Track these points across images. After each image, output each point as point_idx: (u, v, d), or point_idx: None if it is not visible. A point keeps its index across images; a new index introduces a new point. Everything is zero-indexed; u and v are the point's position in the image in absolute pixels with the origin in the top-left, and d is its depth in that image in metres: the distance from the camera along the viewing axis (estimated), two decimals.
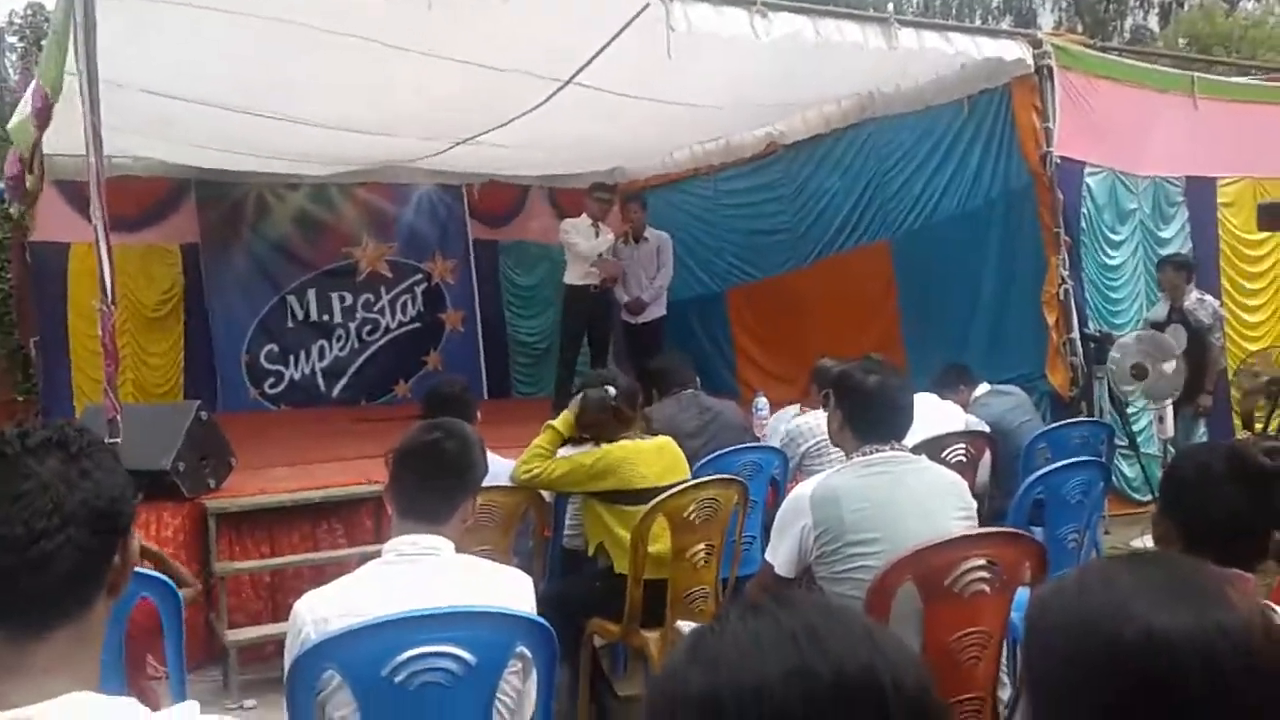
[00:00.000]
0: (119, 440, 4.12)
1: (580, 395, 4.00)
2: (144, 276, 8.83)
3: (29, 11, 20.70)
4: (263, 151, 8.06)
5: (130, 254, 8.32)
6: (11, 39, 20.57)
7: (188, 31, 5.24)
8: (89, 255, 6.91)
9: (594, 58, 6.18)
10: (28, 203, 7.46)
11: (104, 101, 4.32)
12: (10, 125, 5.93)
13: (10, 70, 19.35)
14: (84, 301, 8.13)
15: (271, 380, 9.43)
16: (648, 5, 5.26)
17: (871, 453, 2.81)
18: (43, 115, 4.65)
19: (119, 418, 4.25)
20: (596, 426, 3.95)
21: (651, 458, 3.85)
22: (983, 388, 5.47)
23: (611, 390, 3.95)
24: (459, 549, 2.38)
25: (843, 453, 2.98)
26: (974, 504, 2.90)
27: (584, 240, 7.69)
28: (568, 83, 6.62)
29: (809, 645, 0.84)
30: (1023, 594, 2.65)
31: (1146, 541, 5.24)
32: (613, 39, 5.90)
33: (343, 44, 5.62)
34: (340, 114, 7.04)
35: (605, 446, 3.87)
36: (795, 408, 5.31)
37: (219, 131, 7.32)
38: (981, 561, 2.59)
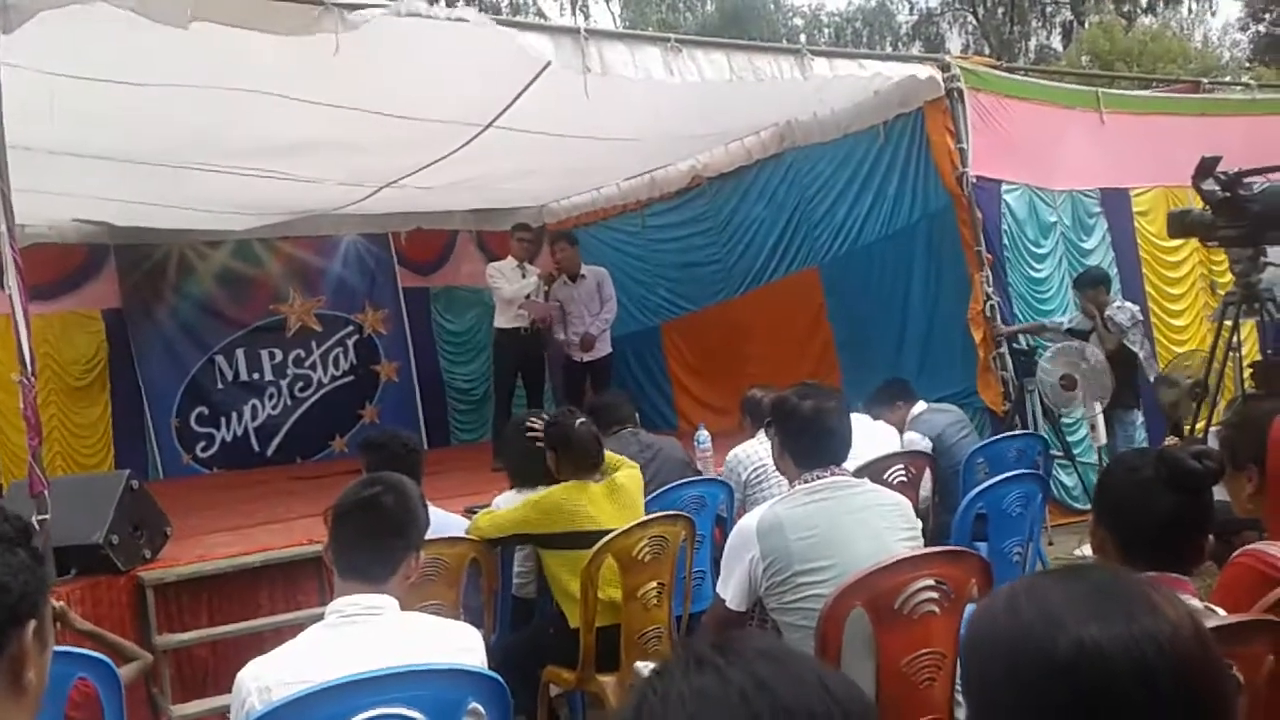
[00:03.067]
0: (44, 517, 3.99)
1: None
2: (66, 344, 8.64)
3: None
4: (180, 203, 7.94)
5: (50, 322, 8.16)
6: None
7: (94, 94, 5.17)
8: (5, 327, 6.80)
9: (509, 106, 6.22)
10: None
11: (11, 165, 4.22)
12: None
13: None
14: (2, 375, 7.91)
15: (203, 443, 9.24)
16: (549, 65, 5.30)
17: (813, 479, 2.82)
18: None
19: (46, 492, 4.11)
20: (523, 459, 3.93)
21: (601, 499, 3.81)
22: (920, 405, 5.55)
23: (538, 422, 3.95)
24: (405, 606, 2.33)
25: (784, 480, 3.00)
26: (919, 524, 2.92)
27: (508, 284, 7.67)
28: (487, 127, 6.65)
29: (759, 700, 0.82)
30: (971, 610, 2.67)
31: (1087, 550, 5.33)
32: (524, 90, 5.95)
33: (249, 100, 5.59)
34: (256, 163, 6.97)
35: (548, 488, 3.84)
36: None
37: (134, 185, 7.20)
38: (929, 581, 2.60)
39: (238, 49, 4.97)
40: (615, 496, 3.86)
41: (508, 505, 4.15)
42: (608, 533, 3.63)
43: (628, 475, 4.00)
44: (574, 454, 3.87)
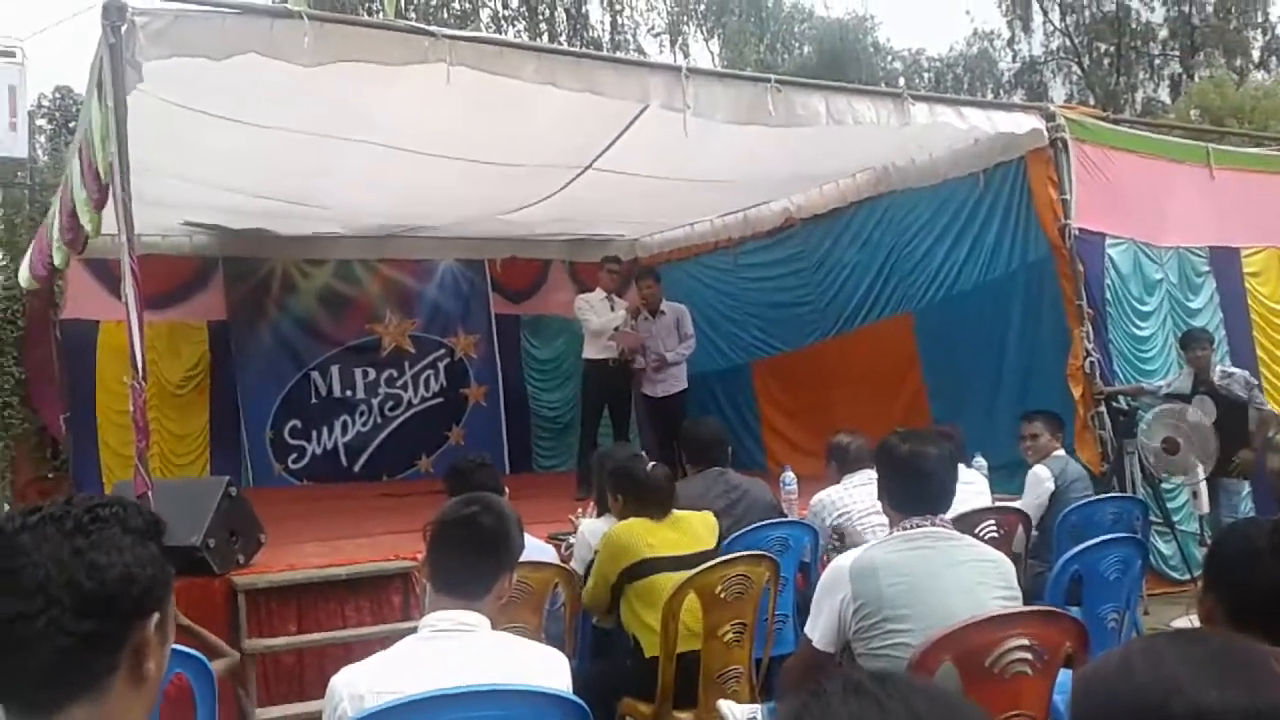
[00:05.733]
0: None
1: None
2: (171, 353, 8.93)
3: (57, 95, 21.23)
4: (288, 227, 8.23)
5: (159, 331, 8.44)
6: (41, 121, 21.05)
7: (218, 132, 5.42)
8: (117, 333, 7.09)
9: (608, 148, 6.33)
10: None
11: (134, 183, 4.41)
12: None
13: (40, 153, 19.76)
14: (112, 378, 8.24)
15: (295, 455, 9.47)
16: (646, 107, 5.38)
17: (912, 526, 2.78)
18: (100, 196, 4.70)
19: (150, 493, 4.26)
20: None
21: (661, 529, 3.86)
22: (1061, 450, 5.57)
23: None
24: (494, 626, 2.36)
25: (871, 528, 2.96)
26: (1017, 586, 2.83)
27: (596, 316, 7.75)
28: (585, 170, 6.77)
29: None
30: (1065, 675, 2.60)
31: (1189, 621, 5.14)
32: (624, 130, 6.05)
33: (358, 148, 5.83)
34: (369, 200, 7.24)
35: (606, 531, 3.93)
36: None
37: (244, 214, 7.53)
38: (1023, 641, 2.54)
39: (349, 100, 5.20)
40: (678, 526, 3.91)
41: (592, 534, 4.20)
42: (666, 558, 3.67)
43: (696, 513, 4.04)
44: (643, 498, 3.93)
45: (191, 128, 5.35)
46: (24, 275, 7.74)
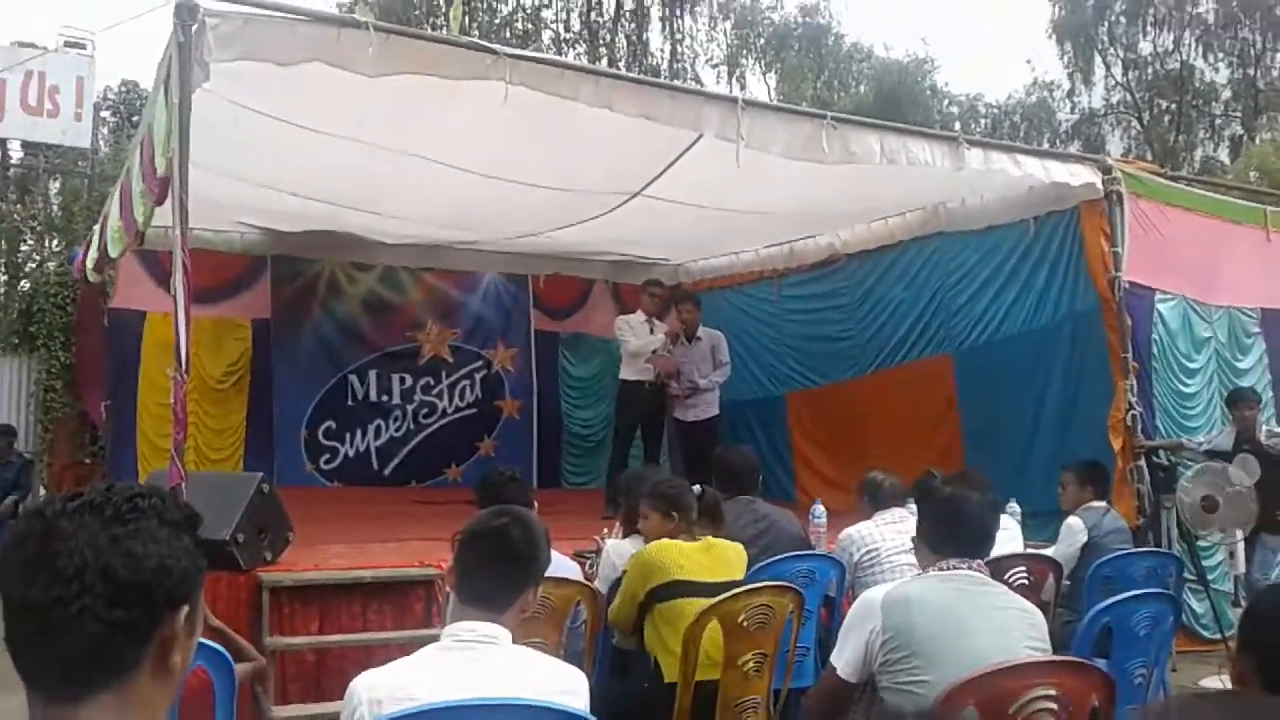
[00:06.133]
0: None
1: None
2: (214, 348, 9.02)
3: (123, 88, 21.67)
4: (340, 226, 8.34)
5: (203, 325, 8.53)
6: (105, 113, 21.49)
7: (276, 133, 5.50)
8: (163, 325, 7.20)
9: (659, 175, 6.36)
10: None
11: (193, 179, 4.47)
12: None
13: (102, 144, 20.15)
14: (155, 369, 8.36)
15: (327, 456, 9.53)
16: (700, 137, 5.39)
17: (948, 568, 2.74)
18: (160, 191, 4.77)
19: (184, 485, 4.30)
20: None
21: (693, 553, 3.84)
22: (1100, 503, 5.50)
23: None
24: (514, 640, 2.36)
25: (895, 566, 2.91)
26: (1048, 639, 2.76)
27: (635, 338, 7.76)
28: (634, 196, 6.80)
29: None
30: None
31: (1219, 680, 5.04)
32: (676, 159, 6.07)
33: (417, 163, 5.88)
34: (419, 212, 7.31)
35: (638, 549, 3.92)
36: None
37: (294, 215, 7.63)
38: (1050, 691, 2.50)
39: (407, 113, 5.26)
40: (710, 551, 3.89)
41: (618, 554, 4.19)
42: (698, 584, 3.65)
43: (730, 543, 4.02)
44: (688, 515, 3.94)
45: (251, 128, 5.43)
46: (91, 263, 7.84)
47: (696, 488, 4.11)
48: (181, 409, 4.43)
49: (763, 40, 26.53)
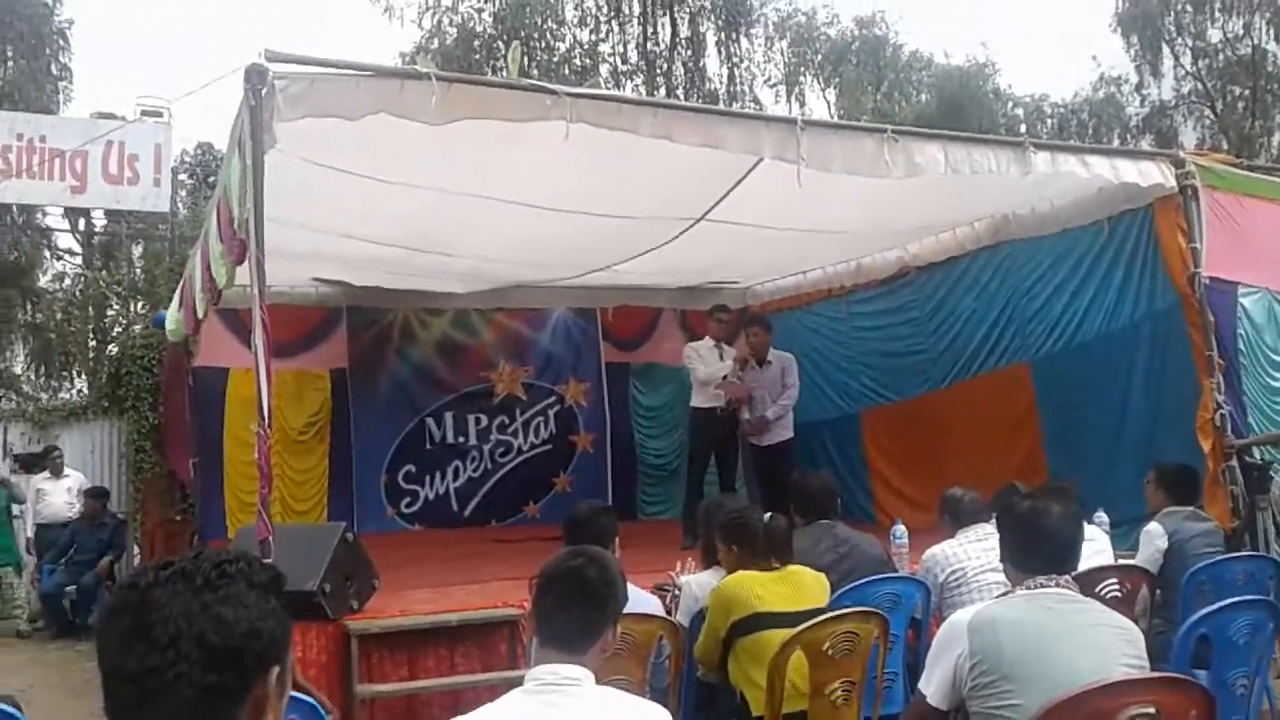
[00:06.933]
0: (268, 562, 4.25)
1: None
2: (295, 400, 9.22)
3: (199, 151, 22.41)
4: (411, 271, 8.51)
5: (283, 378, 8.71)
6: (182, 176, 22.22)
7: (346, 186, 5.64)
8: (245, 380, 7.38)
9: (721, 199, 6.36)
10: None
11: (268, 235, 4.60)
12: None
13: (180, 206, 20.81)
14: (239, 425, 8.57)
15: (408, 500, 9.69)
16: (760, 161, 5.39)
17: (1035, 586, 2.67)
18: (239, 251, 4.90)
19: (271, 539, 4.39)
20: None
21: (771, 583, 3.81)
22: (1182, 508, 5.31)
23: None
24: (597, 680, 2.36)
25: (984, 585, 2.86)
26: (1145, 655, 2.67)
27: (704, 365, 7.76)
28: (698, 221, 6.81)
29: None
30: None
31: None
32: (738, 183, 6.07)
33: (484, 204, 5.98)
34: (488, 252, 7.42)
35: (716, 584, 3.90)
36: None
37: (368, 266, 7.78)
38: (1149, 710, 2.42)
39: (471, 157, 5.36)
40: (788, 580, 3.86)
41: (700, 587, 4.17)
42: (779, 614, 3.61)
43: (810, 570, 3.97)
44: (757, 548, 3.91)
45: (322, 182, 5.57)
46: (172, 325, 8.06)
47: (768, 515, 4.06)
48: (266, 463, 4.53)
49: (820, 56, 26.42)
